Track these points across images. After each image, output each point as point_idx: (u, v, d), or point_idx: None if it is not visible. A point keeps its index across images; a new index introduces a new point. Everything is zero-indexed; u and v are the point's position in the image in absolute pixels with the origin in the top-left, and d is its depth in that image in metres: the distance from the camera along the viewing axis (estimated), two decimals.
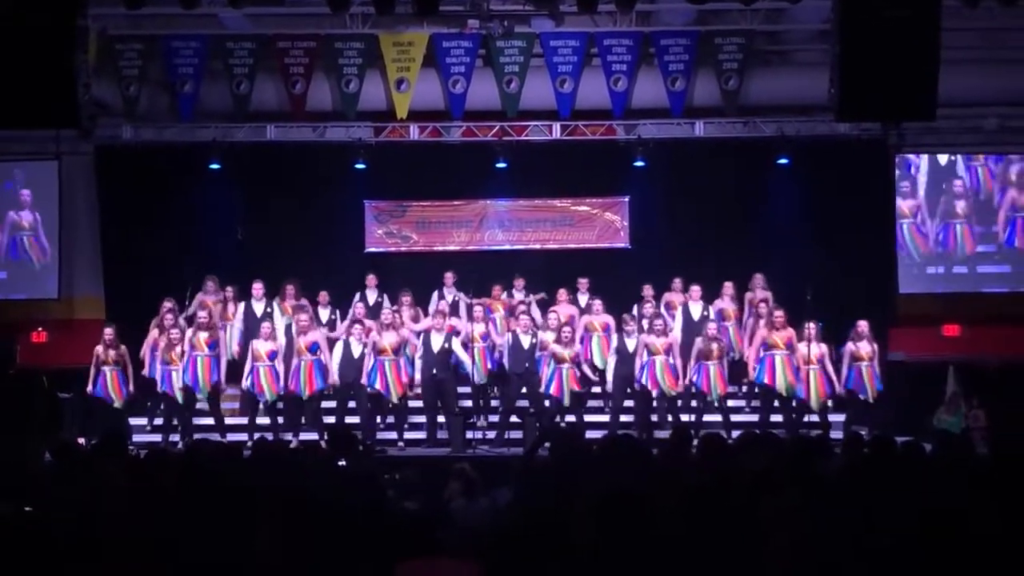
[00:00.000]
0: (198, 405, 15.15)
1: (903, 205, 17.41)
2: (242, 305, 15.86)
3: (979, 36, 16.42)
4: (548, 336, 14.89)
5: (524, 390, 14.85)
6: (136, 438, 14.60)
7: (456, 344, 14.88)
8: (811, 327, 14.53)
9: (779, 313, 14.82)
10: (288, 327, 15.31)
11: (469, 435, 14.86)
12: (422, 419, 15.27)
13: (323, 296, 16.16)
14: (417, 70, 16.53)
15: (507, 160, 17.08)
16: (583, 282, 16.38)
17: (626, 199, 17.95)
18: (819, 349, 14.55)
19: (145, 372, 15.10)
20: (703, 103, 16.87)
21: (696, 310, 15.75)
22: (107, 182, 17.46)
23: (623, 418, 15.01)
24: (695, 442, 8.83)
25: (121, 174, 17.32)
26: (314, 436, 14.33)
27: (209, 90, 16.66)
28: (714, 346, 14.76)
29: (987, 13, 14.52)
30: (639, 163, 17.08)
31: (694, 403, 15.01)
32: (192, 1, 14.09)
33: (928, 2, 12.44)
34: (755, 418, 14.87)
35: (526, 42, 16.52)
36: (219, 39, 16.54)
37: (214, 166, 16.97)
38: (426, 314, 15.80)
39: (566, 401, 14.60)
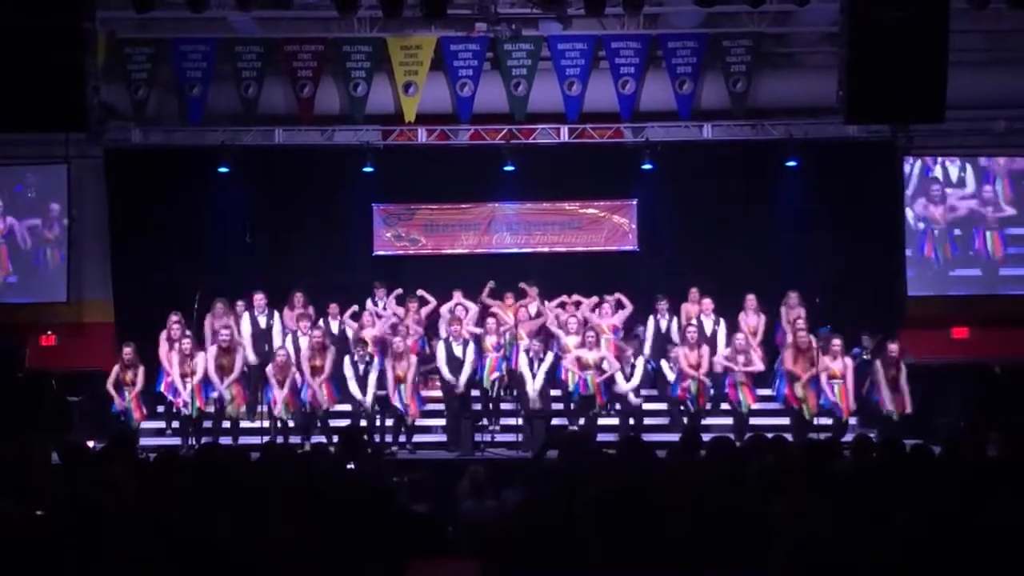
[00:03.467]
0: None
1: (935, 213, 17.37)
2: (246, 316, 15.85)
3: (987, 38, 16.42)
4: (570, 340, 14.94)
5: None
6: (145, 442, 14.64)
7: (469, 352, 14.99)
8: (836, 343, 14.54)
9: (803, 335, 14.72)
10: (294, 337, 15.32)
11: (477, 438, 14.87)
12: (430, 422, 15.32)
13: (333, 308, 16.12)
14: (425, 73, 16.55)
15: (515, 163, 17.07)
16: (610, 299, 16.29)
17: (634, 202, 17.94)
18: (843, 364, 14.53)
19: (163, 389, 15.14)
20: (711, 105, 16.87)
21: (708, 324, 15.69)
22: (116, 185, 17.49)
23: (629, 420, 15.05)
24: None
25: (130, 177, 17.35)
26: (323, 439, 14.39)
27: (217, 93, 16.70)
28: (740, 358, 14.80)
29: (995, 15, 14.52)
30: (647, 166, 17.06)
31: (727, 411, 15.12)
32: (201, 4, 14.12)
33: (936, 4, 12.44)
34: (776, 421, 14.83)
35: (534, 45, 16.53)
36: (228, 42, 16.57)
37: (223, 169, 16.98)
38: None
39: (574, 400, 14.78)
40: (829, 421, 14.61)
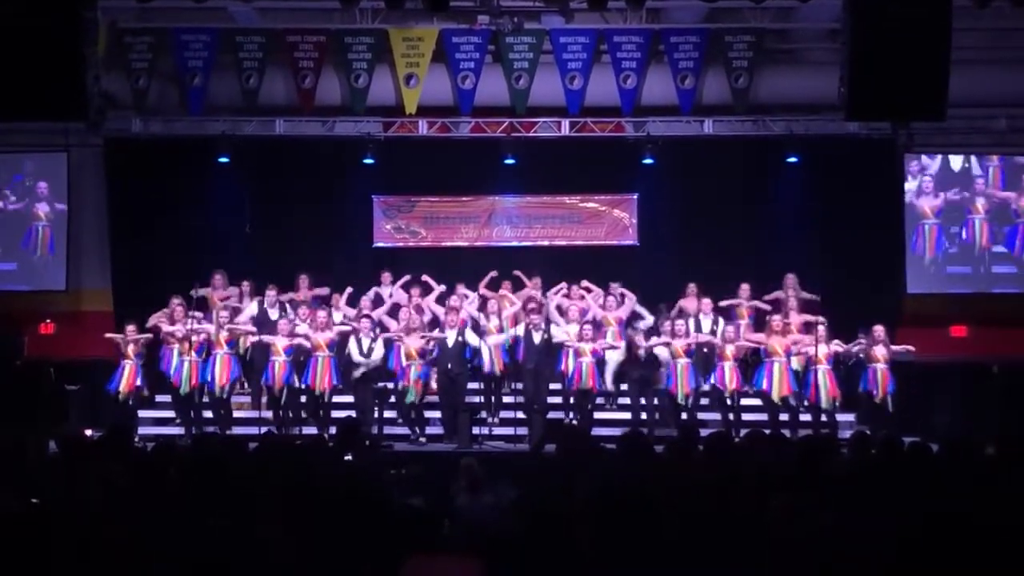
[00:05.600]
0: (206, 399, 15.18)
1: (924, 205, 17.38)
2: (255, 304, 15.83)
3: (989, 36, 16.39)
4: (571, 329, 14.95)
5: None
6: (143, 430, 14.70)
7: (469, 334, 15.04)
8: (820, 328, 14.57)
9: (776, 319, 14.82)
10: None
11: (475, 431, 14.88)
12: (428, 414, 15.33)
13: (336, 298, 16.12)
14: (426, 65, 16.52)
15: (516, 156, 17.07)
16: (615, 286, 16.23)
17: (635, 196, 17.95)
18: (827, 349, 14.57)
19: (163, 367, 15.15)
20: (712, 101, 16.85)
21: (707, 324, 15.66)
22: (116, 175, 17.50)
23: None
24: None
25: (130, 167, 17.35)
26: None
27: (218, 84, 16.66)
28: (729, 348, 14.81)
29: (997, 13, 14.50)
30: (648, 160, 17.05)
31: (705, 401, 15.12)
32: None
33: (938, 2, 12.44)
34: (764, 417, 14.86)
35: (536, 38, 16.51)
36: (229, 33, 16.55)
37: (223, 159, 16.98)
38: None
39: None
40: (809, 416, 14.75)
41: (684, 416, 14.75)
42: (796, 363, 14.77)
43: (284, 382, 14.74)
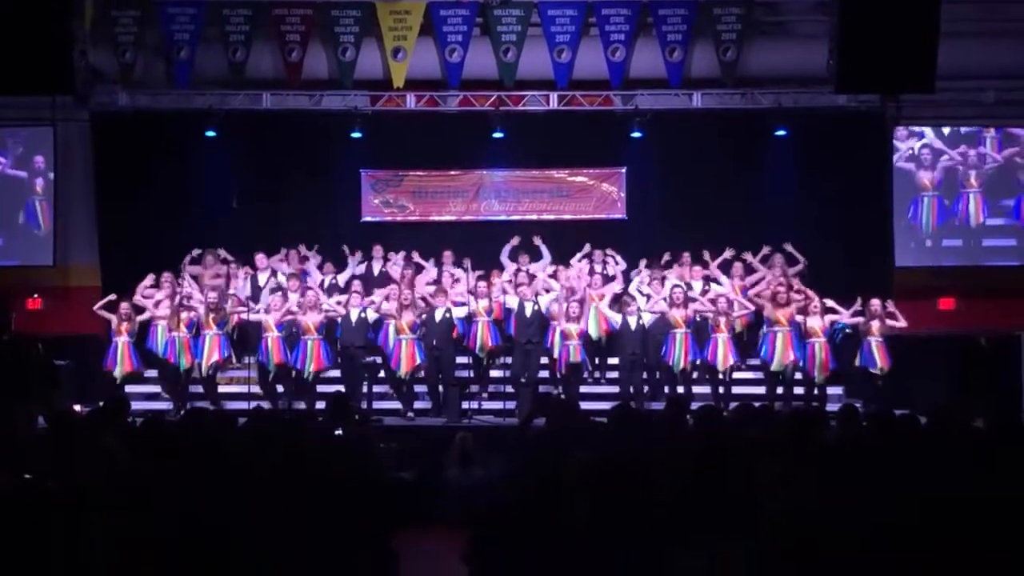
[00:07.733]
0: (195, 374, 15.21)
1: (924, 178, 17.39)
2: (248, 280, 15.84)
3: (978, 8, 16.37)
4: (555, 305, 14.98)
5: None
6: (135, 405, 14.67)
7: (455, 312, 15.04)
8: (816, 302, 14.61)
9: (782, 288, 14.85)
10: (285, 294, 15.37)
11: (465, 405, 14.90)
12: (418, 388, 15.35)
13: (328, 267, 16.26)
14: (414, 39, 16.47)
15: (504, 130, 17.02)
16: (599, 253, 16.28)
17: (623, 170, 17.93)
18: (822, 322, 14.61)
19: (150, 344, 15.24)
20: (701, 74, 16.81)
21: (697, 287, 15.72)
22: (103, 149, 17.42)
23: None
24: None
25: (117, 141, 17.27)
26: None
27: (205, 57, 16.57)
28: (721, 319, 14.84)
29: None
30: (636, 134, 17.03)
31: (707, 376, 15.21)
32: None
33: None
34: (761, 390, 14.91)
35: (524, 11, 16.45)
36: (215, 6, 16.45)
37: (210, 133, 16.91)
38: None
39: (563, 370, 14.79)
40: (802, 390, 14.84)
41: (680, 389, 14.80)
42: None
43: (282, 358, 14.75)
